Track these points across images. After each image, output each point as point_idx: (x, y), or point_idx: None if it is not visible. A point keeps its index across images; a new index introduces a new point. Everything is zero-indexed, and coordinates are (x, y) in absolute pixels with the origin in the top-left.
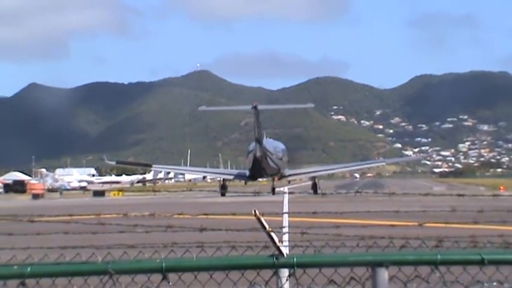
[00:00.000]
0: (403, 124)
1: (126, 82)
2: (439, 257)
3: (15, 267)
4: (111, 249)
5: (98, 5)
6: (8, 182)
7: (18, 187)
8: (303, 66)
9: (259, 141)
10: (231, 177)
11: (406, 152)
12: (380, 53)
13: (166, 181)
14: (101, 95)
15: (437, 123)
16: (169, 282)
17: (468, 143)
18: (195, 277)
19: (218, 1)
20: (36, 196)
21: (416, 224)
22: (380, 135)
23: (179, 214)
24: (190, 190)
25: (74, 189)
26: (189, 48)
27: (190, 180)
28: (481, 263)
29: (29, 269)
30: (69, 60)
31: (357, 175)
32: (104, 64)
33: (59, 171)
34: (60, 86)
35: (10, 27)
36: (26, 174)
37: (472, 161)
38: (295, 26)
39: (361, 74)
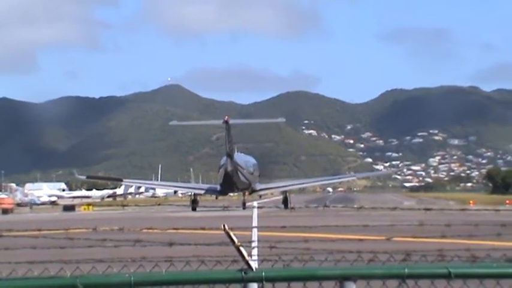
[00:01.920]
0: (374, 139)
1: (97, 96)
2: (406, 270)
3: None
4: (80, 264)
5: (67, 18)
6: None
7: None
8: (274, 81)
9: (230, 155)
10: (202, 191)
11: (377, 167)
12: (350, 67)
13: (137, 196)
14: (71, 109)
15: (408, 137)
16: None
17: (438, 158)
18: None
19: (189, 15)
20: (5, 211)
21: (384, 238)
22: (351, 149)
23: (148, 229)
24: (159, 205)
25: (43, 203)
26: (159, 62)
27: (160, 196)
28: (448, 276)
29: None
30: (39, 74)
31: (330, 189)
32: (75, 78)
33: (28, 185)
34: (30, 100)
35: None
36: None
37: (443, 175)
38: (266, 40)
39: (332, 88)
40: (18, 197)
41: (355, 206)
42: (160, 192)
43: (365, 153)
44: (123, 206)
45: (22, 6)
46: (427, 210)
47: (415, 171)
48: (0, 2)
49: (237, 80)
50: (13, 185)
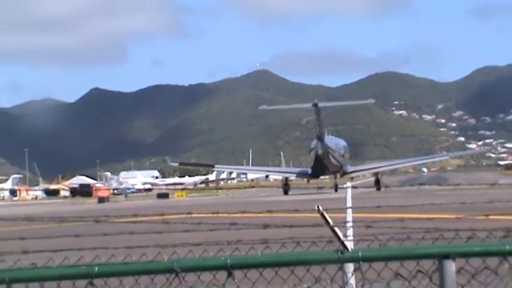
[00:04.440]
0: (466, 117)
1: (186, 84)
2: (507, 247)
3: (83, 267)
4: (177, 248)
5: (152, 7)
6: (74, 186)
7: (84, 191)
8: (362, 63)
9: (320, 138)
10: (293, 175)
11: (470, 146)
12: (440, 45)
13: (229, 181)
14: (161, 98)
15: (501, 115)
16: (234, 280)
17: None
18: (260, 274)
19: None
20: (101, 199)
21: (482, 215)
22: (442, 129)
23: (242, 212)
24: (253, 187)
25: (138, 191)
26: (245, 47)
27: (252, 180)
28: None
29: (96, 269)
30: (128, 64)
31: (425, 169)
32: (163, 66)
33: (123, 174)
34: (121, 89)
35: (68, 34)
36: (91, 178)
37: None
38: (351, 21)
39: (421, 68)
40: (114, 185)
41: (451, 185)
42: (251, 177)
43: (457, 133)
44: (217, 189)
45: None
46: None
47: (510, 148)
48: None
49: (324, 63)
50: (108, 173)
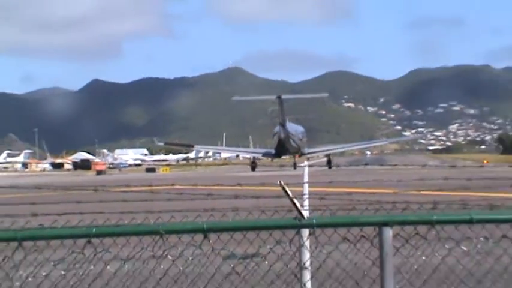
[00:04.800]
0: (402, 110)
1: (172, 77)
2: (435, 217)
3: (83, 228)
4: (161, 214)
5: (145, 12)
6: (76, 160)
7: (84, 165)
8: (318, 62)
9: (283, 125)
10: (260, 155)
11: (405, 133)
12: (383, 50)
13: (206, 159)
14: (151, 88)
15: (431, 108)
16: (209, 241)
17: (457, 125)
18: (231, 236)
19: (244, 6)
20: (99, 172)
21: (415, 191)
22: (383, 119)
23: (217, 185)
24: (226, 164)
25: (130, 166)
26: (222, 47)
27: (225, 159)
28: (470, 222)
29: (94, 230)
30: (123, 59)
31: (368, 152)
32: (153, 62)
33: (117, 151)
34: (117, 81)
35: (75, 32)
36: (90, 154)
37: (460, 140)
38: (309, 27)
39: (367, 67)
40: (109, 160)
41: (390, 165)
42: (224, 156)
43: (395, 122)
44: (196, 165)
45: (110, 5)
46: (451, 168)
47: (437, 136)
48: (94, 2)
49: (287, 61)
50: (105, 151)
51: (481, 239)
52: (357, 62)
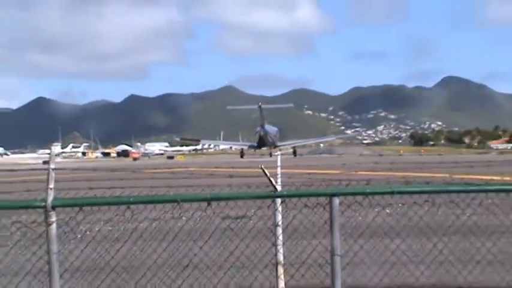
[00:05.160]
0: (345, 115)
1: (185, 92)
2: (367, 190)
3: (124, 198)
4: (179, 188)
5: (168, 46)
6: (118, 150)
7: (124, 153)
8: (287, 81)
9: (262, 126)
10: (246, 147)
11: (347, 132)
12: (332, 73)
13: (209, 150)
14: (170, 100)
15: (365, 114)
16: (211, 207)
17: (382, 126)
18: (226, 204)
19: (238, 43)
20: (135, 159)
21: (354, 171)
22: (332, 122)
23: (217, 167)
24: (223, 153)
25: (156, 154)
26: (220, 70)
27: (222, 149)
28: (392, 193)
29: (131, 199)
30: (148, 80)
31: (321, 145)
32: (171, 82)
33: (147, 144)
34: (147, 95)
35: (119, 60)
36: (129, 145)
37: (385, 136)
38: (282, 57)
39: (320, 85)
40: (142, 151)
41: (337, 154)
42: (222, 147)
43: (340, 124)
44: (202, 154)
45: (142, 41)
46: (379, 156)
47: (369, 134)
48: (131, 39)
49: (266, 81)
50: (138, 144)
51: (400, 204)
52: (314, 82)
